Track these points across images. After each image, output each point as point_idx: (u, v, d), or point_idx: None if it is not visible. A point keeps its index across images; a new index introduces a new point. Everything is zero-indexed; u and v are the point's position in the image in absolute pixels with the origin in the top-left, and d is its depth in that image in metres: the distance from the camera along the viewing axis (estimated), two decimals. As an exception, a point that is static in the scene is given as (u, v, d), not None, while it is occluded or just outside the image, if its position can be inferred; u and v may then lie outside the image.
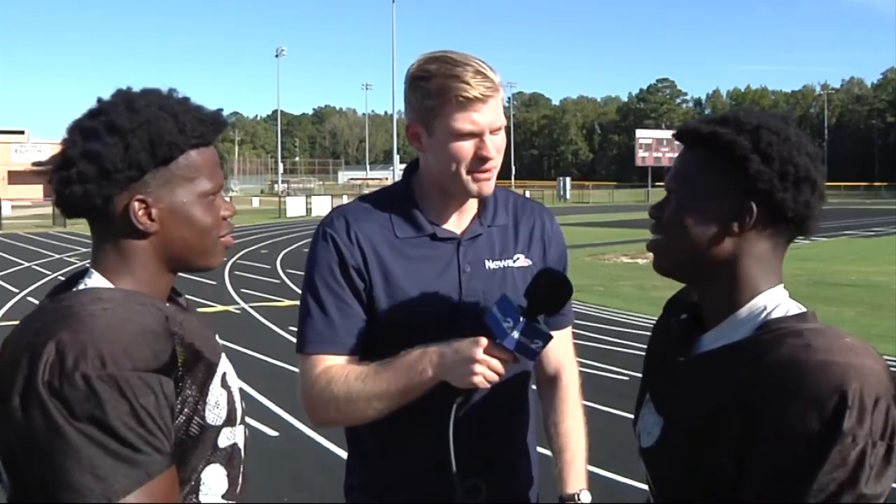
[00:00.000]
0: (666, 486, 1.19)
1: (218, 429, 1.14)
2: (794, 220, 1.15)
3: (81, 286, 1.15)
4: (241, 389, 1.27)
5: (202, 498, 1.14)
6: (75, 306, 1.05)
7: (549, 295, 1.43)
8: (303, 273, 1.62)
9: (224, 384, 1.17)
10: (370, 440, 1.62)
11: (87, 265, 1.19)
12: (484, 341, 1.39)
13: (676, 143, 1.25)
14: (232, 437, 1.18)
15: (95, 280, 1.15)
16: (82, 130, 1.14)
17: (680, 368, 1.19)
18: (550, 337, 1.40)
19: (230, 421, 1.17)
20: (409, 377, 1.44)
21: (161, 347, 1.04)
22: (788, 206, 1.13)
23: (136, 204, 1.13)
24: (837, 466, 0.96)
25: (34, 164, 1.17)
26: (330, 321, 1.55)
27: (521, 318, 1.37)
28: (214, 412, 1.14)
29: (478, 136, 1.49)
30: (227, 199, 1.26)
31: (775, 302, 1.16)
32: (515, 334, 1.37)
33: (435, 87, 1.47)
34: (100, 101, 1.18)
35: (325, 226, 1.60)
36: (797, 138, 1.15)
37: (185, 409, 1.09)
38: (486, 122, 1.48)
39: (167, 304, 1.16)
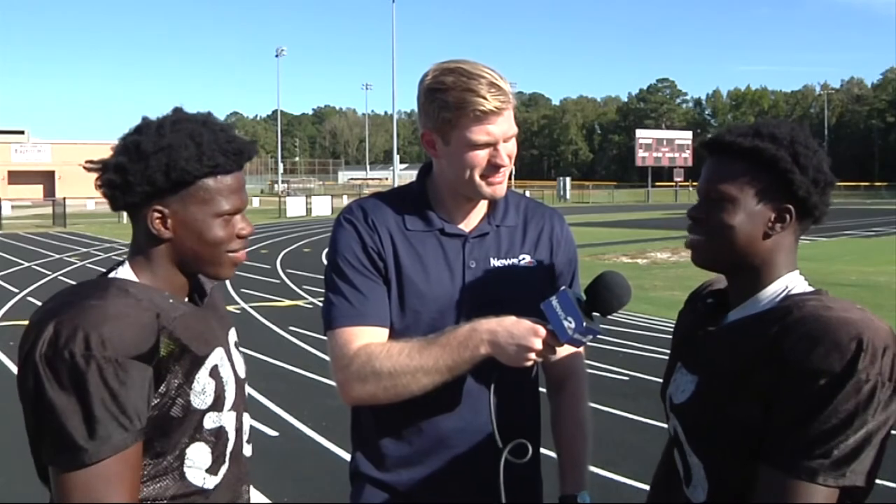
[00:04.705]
0: (698, 433, 1.35)
1: (203, 412, 1.33)
2: (816, 216, 1.36)
3: (112, 274, 1.36)
4: (242, 381, 1.46)
5: (186, 470, 1.33)
6: (82, 295, 1.25)
7: (608, 297, 1.49)
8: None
9: (213, 374, 1.35)
10: (371, 427, 1.67)
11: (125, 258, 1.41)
12: (543, 332, 1.47)
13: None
14: (218, 420, 1.36)
15: (123, 272, 1.36)
16: (123, 143, 1.33)
17: (711, 336, 1.38)
18: (599, 333, 1.49)
19: (216, 406, 1.35)
20: (459, 353, 1.49)
21: (144, 339, 1.23)
22: (818, 208, 1.35)
23: (154, 213, 1.32)
24: (851, 396, 1.17)
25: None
26: (360, 296, 1.60)
27: (583, 322, 1.45)
28: (200, 397, 1.32)
29: (492, 145, 1.56)
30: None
31: (794, 283, 1.37)
32: (573, 332, 1.46)
33: (452, 100, 1.53)
34: (144, 119, 1.36)
35: (344, 214, 1.68)
36: (818, 147, 1.35)
37: (170, 392, 1.28)
38: (500, 132, 1.55)
39: (171, 302, 1.32)
